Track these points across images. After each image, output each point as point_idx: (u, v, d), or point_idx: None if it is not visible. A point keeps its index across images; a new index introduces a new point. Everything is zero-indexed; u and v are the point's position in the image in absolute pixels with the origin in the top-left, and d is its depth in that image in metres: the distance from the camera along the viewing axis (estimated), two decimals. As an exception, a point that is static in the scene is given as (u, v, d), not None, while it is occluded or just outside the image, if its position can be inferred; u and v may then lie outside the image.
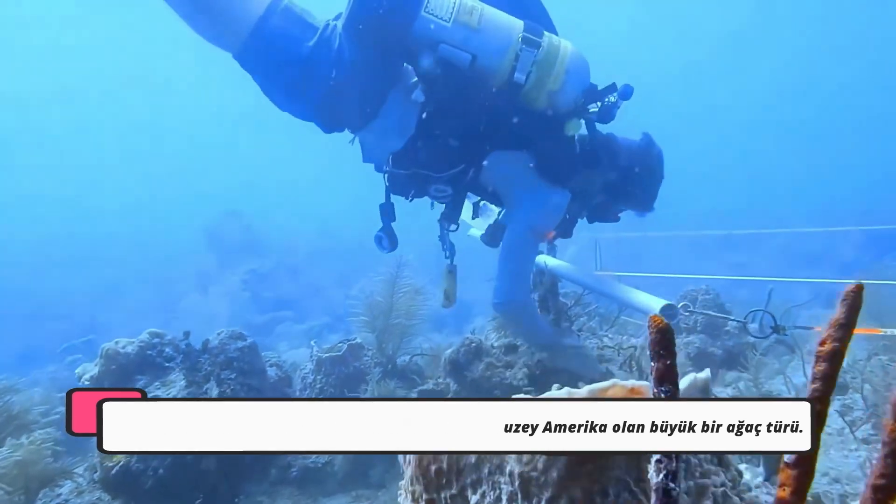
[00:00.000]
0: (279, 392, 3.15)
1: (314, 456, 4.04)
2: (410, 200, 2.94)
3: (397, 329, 4.73)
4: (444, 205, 3.03)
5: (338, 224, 20.79)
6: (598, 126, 2.77)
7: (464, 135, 2.60)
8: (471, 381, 3.78)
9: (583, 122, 2.68)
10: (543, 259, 3.80)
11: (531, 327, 3.05)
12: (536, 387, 3.58)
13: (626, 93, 2.68)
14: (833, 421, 3.79)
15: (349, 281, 12.17)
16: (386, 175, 2.77)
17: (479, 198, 3.11)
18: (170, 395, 2.64)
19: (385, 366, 4.63)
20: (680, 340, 4.70)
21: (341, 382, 4.31)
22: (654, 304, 2.52)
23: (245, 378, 2.84)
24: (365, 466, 3.97)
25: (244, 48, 2.30)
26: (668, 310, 2.51)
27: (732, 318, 2.59)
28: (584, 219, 3.16)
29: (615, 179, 2.85)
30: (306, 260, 15.84)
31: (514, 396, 0.78)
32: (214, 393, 2.55)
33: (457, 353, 3.91)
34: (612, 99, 2.70)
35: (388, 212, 2.86)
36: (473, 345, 3.88)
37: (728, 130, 39.50)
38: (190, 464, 2.83)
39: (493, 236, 3.22)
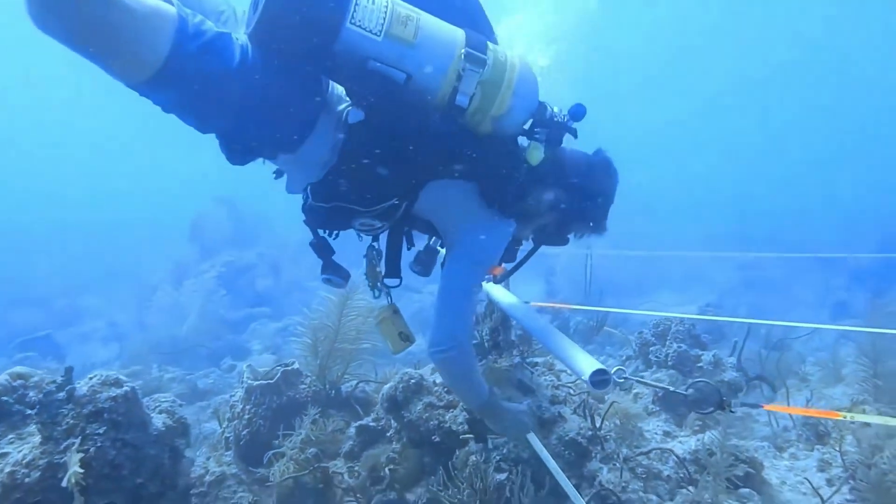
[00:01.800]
0: (166, 446, 2.83)
1: (235, 496, 3.78)
2: (333, 237, 2.61)
3: (344, 353, 4.46)
4: (370, 237, 2.72)
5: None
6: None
7: (396, 164, 2.28)
8: (408, 421, 3.51)
9: (542, 147, 2.37)
10: (488, 289, 3.52)
11: (465, 384, 2.68)
12: (476, 433, 3.31)
13: (578, 114, 2.38)
14: (810, 476, 3.51)
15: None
16: (304, 208, 2.44)
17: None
18: (21, 453, 2.32)
19: (328, 393, 4.37)
20: (648, 375, 4.41)
21: (273, 414, 4.04)
22: (586, 367, 2.23)
23: (118, 432, 2.52)
24: (295, 509, 3.72)
25: (153, 82, 1.94)
26: (598, 375, 2.21)
27: (671, 388, 2.28)
28: (530, 241, 2.83)
29: (563, 198, 2.53)
30: (293, 252, 15.53)
31: None
32: (74, 452, 2.24)
33: (394, 390, 3.63)
34: (563, 119, 2.40)
35: (322, 248, 2.53)
36: (413, 381, 3.59)
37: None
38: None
39: (424, 263, 2.87)
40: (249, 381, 4.10)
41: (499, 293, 3.45)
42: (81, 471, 2.19)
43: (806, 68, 37.92)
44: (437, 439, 3.39)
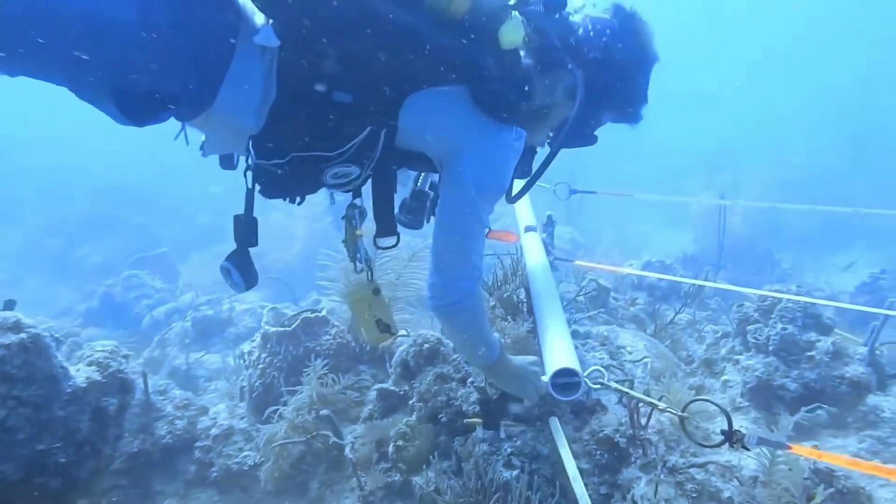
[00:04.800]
0: (86, 406, 2.60)
1: (241, 454, 3.67)
2: (299, 203, 2.15)
3: (380, 301, 4.15)
4: (349, 193, 2.26)
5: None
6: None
7: (357, 83, 1.83)
8: (417, 393, 3.16)
9: (522, 21, 1.85)
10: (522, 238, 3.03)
11: (472, 341, 2.27)
12: (487, 417, 2.90)
13: None
14: None
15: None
16: (249, 174, 1.99)
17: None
18: None
19: (362, 346, 4.10)
20: (743, 361, 3.71)
21: (289, 366, 3.85)
22: (552, 364, 1.73)
23: (11, 388, 2.28)
24: (303, 476, 3.54)
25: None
26: (561, 376, 1.70)
27: (662, 405, 1.70)
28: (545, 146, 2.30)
29: (583, 84, 1.99)
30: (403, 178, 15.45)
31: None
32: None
33: (406, 354, 3.29)
34: None
35: (247, 231, 2.05)
36: (427, 346, 3.23)
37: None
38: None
39: (414, 211, 2.37)
40: (266, 327, 3.93)
41: (530, 244, 2.95)
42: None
43: None
44: (445, 419, 3.03)
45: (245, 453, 3.65)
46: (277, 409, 3.50)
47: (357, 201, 2.27)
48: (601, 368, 1.78)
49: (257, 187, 2.00)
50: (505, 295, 3.22)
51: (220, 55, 1.74)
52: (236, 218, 2.05)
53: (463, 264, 2.08)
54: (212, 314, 6.91)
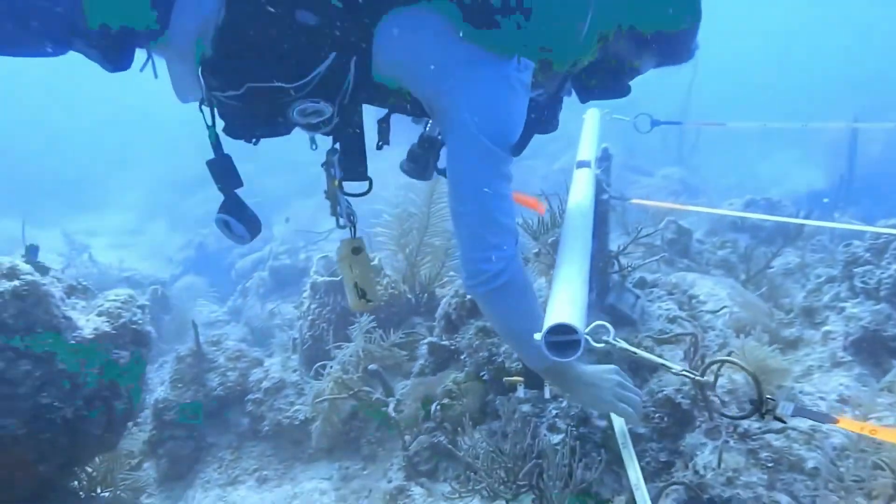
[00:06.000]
0: (95, 358, 2.51)
1: (292, 408, 3.61)
2: (256, 142, 1.87)
3: (435, 250, 3.93)
4: (330, 137, 1.98)
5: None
6: None
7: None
8: (465, 348, 2.98)
9: None
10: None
11: (522, 318, 1.85)
12: (530, 376, 2.65)
13: None
14: None
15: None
16: (207, 108, 1.71)
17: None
18: None
19: (418, 297, 3.91)
20: (849, 309, 3.23)
21: (338, 318, 3.73)
22: (551, 318, 1.44)
23: (10, 339, 2.20)
24: (356, 432, 3.45)
25: None
26: (556, 334, 1.41)
27: (676, 367, 1.37)
28: (573, 95, 1.94)
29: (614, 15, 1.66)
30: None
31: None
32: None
33: (449, 307, 3.08)
34: None
35: (226, 173, 1.80)
36: (469, 298, 3.00)
37: None
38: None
39: (419, 160, 2.05)
40: (315, 276, 3.82)
41: (577, 182, 2.60)
42: None
43: None
44: (487, 376, 2.82)
45: (296, 407, 3.60)
46: (325, 364, 3.40)
47: (338, 145, 1.99)
48: (606, 324, 1.47)
49: (221, 124, 1.77)
50: (550, 241, 2.92)
51: None
52: (209, 163, 1.83)
53: (493, 230, 1.72)
54: (289, 263, 6.97)
